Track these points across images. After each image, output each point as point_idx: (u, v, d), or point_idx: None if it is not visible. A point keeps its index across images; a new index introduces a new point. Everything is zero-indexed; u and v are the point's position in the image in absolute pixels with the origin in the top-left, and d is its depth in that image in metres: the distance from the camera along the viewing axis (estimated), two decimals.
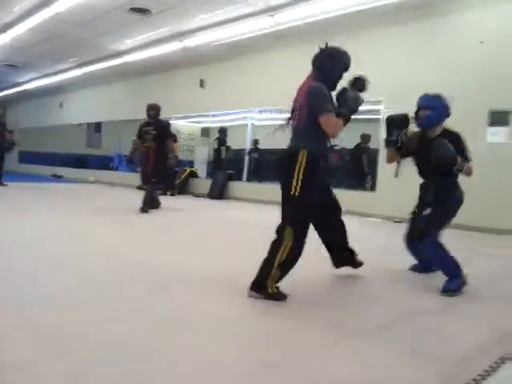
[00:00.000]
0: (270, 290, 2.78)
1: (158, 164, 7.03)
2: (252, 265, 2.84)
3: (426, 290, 3.25)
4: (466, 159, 3.19)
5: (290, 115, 3.04)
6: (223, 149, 11.10)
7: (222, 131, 11.21)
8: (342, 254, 3.41)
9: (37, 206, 7.57)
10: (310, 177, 2.76)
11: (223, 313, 2.58)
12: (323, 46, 2.99)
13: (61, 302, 2.61)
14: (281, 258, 2.76)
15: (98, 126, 16.36)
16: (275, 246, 2.80)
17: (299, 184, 2.74)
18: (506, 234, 5.97)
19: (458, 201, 3.29)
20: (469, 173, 3.21)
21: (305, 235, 2.84)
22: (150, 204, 7.01)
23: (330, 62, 2.91)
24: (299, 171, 2.75)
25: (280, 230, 2.81)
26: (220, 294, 2.90)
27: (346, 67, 2.97)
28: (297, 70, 9.93)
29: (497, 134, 6.35)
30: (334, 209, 3.31)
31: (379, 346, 2.20)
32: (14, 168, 16.83)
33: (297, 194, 2.75)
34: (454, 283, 3.08)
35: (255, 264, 2.83)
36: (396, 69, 7.52)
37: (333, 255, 3.42)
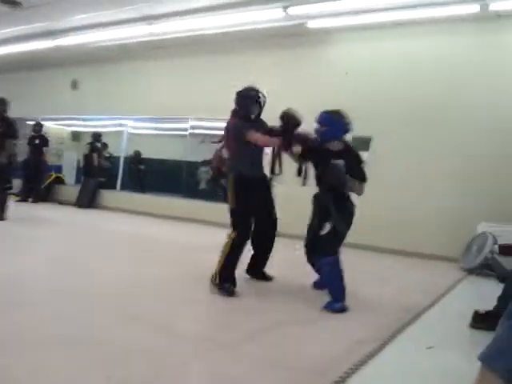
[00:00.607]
0: (217, 281, 3.49)
1: None
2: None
3: (304, 302, 3.44)
4: (362, 179, 3.40)
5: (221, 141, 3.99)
6: (95, 155, 10.51)
7: (96, 136, 10.67)
8: (259, 268, 4.03)
9: None
10: (240, 193, 3.64)
11: None
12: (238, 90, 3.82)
13: None
14: (226, 252, 3.52)
15: None
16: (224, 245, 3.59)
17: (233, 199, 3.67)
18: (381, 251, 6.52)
19: (351, 213, 3.43)
20: (359, 192, 3.41)
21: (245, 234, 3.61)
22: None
23: (243, 102, 3.77)
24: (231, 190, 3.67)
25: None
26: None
27: (256, 100, 3.79)
28: (172, 81, 10.11)
29: None
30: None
31: (240, 358, 2.26)
32: None
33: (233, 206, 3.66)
34: (337, 306, 3.20)
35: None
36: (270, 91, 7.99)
37: (252, 264, 4.02)
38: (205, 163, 10.18)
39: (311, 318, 3.09)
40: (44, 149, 10.19)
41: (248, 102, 3.74)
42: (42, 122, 10.77)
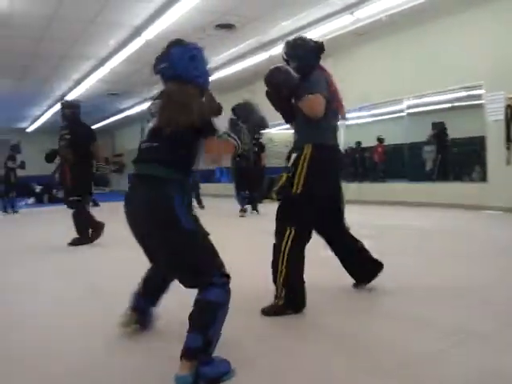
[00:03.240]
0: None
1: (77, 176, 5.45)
2: None
3: None
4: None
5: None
6: None
7: None
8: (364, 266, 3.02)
9: None
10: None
11: None
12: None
13: None
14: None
15: None
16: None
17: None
18: None
19: None
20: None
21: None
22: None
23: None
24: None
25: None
26: None
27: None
28: (381, 65, 9.81)
29: None
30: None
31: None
32: (125, 188, 18.22)
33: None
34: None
35: None
36: (498, 47, 7.05)
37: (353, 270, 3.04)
38: (430, 141, 9.64)
39: None
40: (261, 154, 11.14)
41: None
42: (266, 131, 11.75)
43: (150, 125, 1.98)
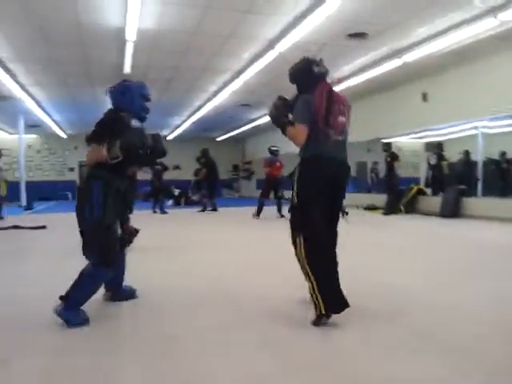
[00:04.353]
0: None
1: None
2: None
3: None
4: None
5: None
6: (444, 164, 10.82)
7: (439, 146, 11.10)
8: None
9: None
10: None
11: None
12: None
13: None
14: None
15: None
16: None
17: None
18: None
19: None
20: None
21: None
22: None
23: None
24: None
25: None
26: None
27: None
28: None
29: None
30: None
31: None
32: (253, 194, 19.02)
33: None
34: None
35: None
36: None
37: None
38: None
39: None
40: (394, 164, 10.79)
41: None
42: (394, 140, 11.48)
43: None
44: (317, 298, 2.67)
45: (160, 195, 12.58)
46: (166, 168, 12.24)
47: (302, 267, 2.78)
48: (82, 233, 2.85)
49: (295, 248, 2.83)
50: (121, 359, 2.26)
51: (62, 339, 2.55)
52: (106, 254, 2.82)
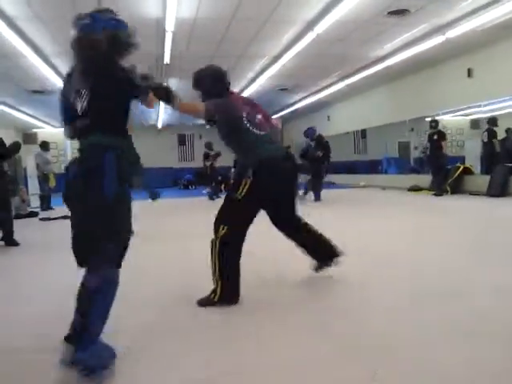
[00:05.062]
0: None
1: None
2: None
3: None
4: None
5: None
6: (496, 141, 10.26)
7: (492, 122, 10.36)
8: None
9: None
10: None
11: None
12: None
13: None
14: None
15: (363, 133, 17.15)
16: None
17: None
18: None
19: None
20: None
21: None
22: None
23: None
24: None
25: None
26: None
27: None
28: None
29: None
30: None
31: None
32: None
33: None
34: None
35: None
36: None
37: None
38: None
39: None
40: (442, 143, 10.44)
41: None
42: (438, 118, 11.10)
43: None
44: (218, 285, 2.83)
45: (213, 182, 12.89)
46: (218, 154, 12.41)
47: (213, 254, 2.86)
48: (81, 233, 2.13)
49: (215, 236, 2.88)
50: None
51: None
52: (126, 241, 2.14)
